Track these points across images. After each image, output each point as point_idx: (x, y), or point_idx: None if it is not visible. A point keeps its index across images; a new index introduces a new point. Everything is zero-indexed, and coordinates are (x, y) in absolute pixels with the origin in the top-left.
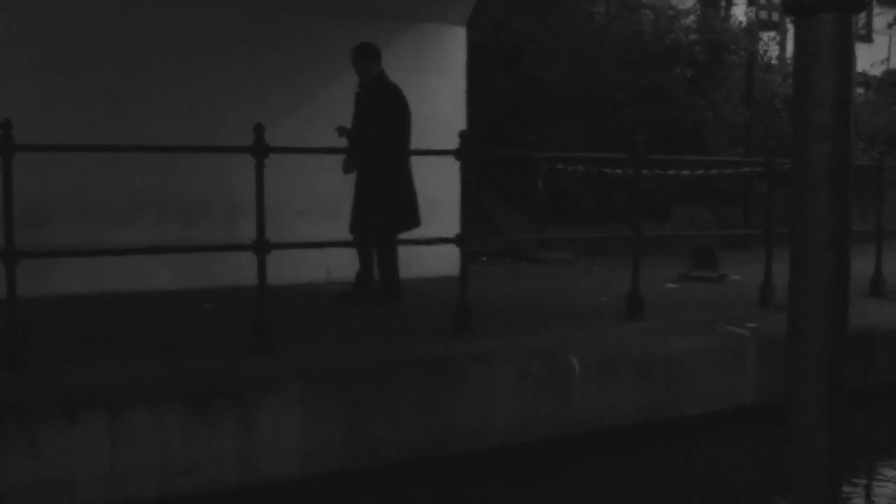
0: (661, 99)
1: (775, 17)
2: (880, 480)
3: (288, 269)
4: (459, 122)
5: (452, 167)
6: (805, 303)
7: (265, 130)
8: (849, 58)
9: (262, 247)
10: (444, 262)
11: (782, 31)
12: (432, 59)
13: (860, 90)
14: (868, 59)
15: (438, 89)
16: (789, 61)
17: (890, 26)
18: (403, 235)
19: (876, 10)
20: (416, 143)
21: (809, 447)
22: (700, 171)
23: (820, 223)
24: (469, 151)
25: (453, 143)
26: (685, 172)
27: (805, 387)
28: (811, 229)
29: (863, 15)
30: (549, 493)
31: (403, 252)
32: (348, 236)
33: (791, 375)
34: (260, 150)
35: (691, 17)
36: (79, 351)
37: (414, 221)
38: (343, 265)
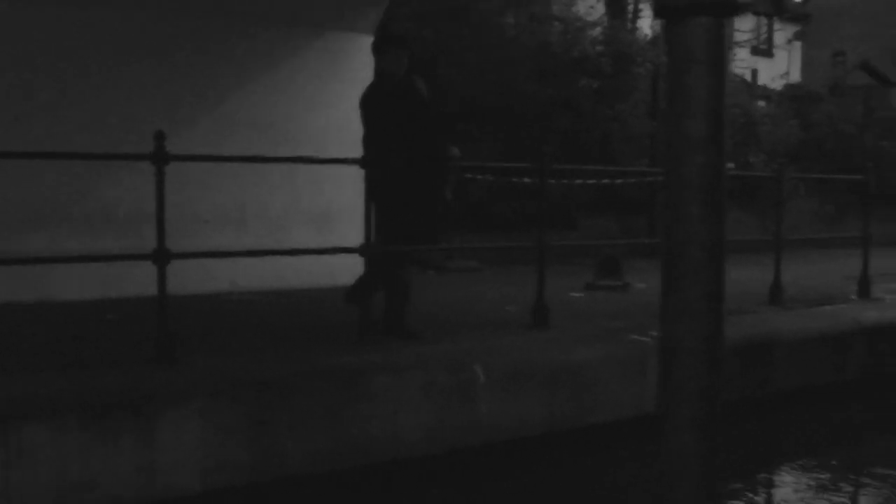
0: (568, 110)
1: None
2: (776, 485)
3: (193, 278)
4: None
5: (358, 176)
6: (679, 322)
7: (166, 138)
8: (722, 64)
9: (161, 256)
10: (350, 271)
11: None
12: (340, 68)
13: (762, 103)
14: (769, 73)
15: (346, 98)
16: None
17: (790, 42)
18: (314, 244)
19: (776, 26)
20: (323, 151)
21: (684, 469)
22: (606, 181)
23: (693, 238)
24: (372, 160)
25: (359, 151)
26: (590, 182)
27: (679, 408)
28: (684, 244)
29: (764, 30)
30: None
31: (308, 261)
32: (255, 245)
33: (665, 396)
34: (160, 158)
35: (598, 29)
36: None
37: None
38: (249, 275)
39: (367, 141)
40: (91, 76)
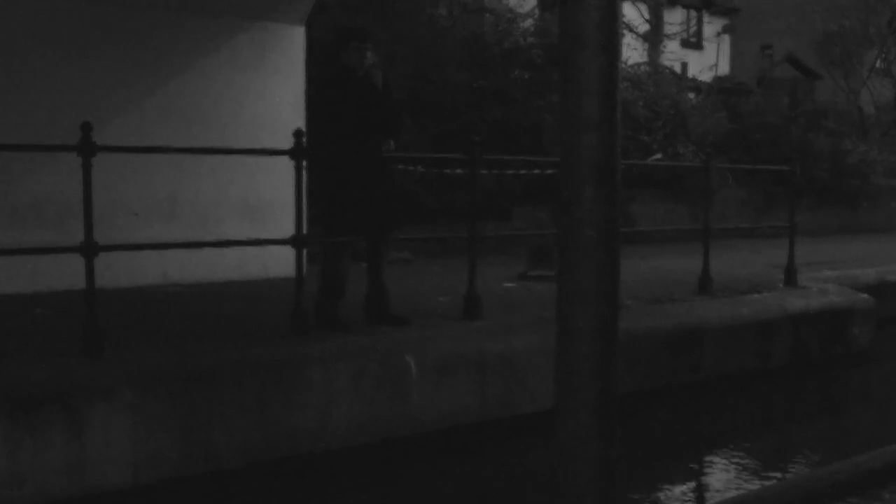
0: (501, 101)
1: None
2: (706, 468)
3: (123, 271)
4: (298, 121)
5: (290, 167)
6: (573, 303)
7: (93, 128)
8: (615, 45)
9: (89, 249)
10: (283, 263)
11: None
12: (270, 59)
13: (691, 95)
14: (699, 65)
15: (276, 89)
16: (624, 65)
17: (719, 35)
18: (246, 236)
19: (706, 19)
20: (253, 142)
21: (580, 456)
22: (537, 171)
23: (586, 218)
24: (303, 151)
25: (291, 142)
26: (522, 172)
27: (574, 392)
28: (577, 225)
29: (694, 23)
30: (387, 494)
31: (239, 253)
32: (185, 237)
33: (560, 380)
34: (87, 148)
35: (529, 21)
36: None
37: None
38: (179, 267)
39: (317, 132)
40: (15, 67)
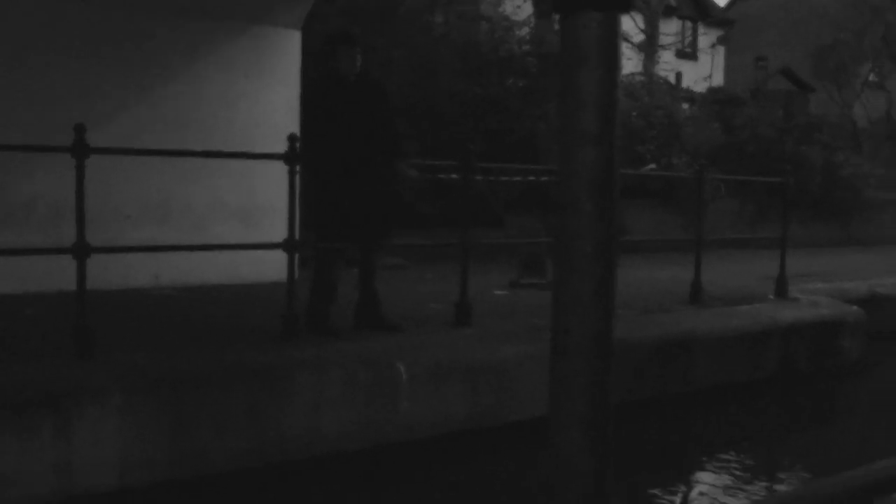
0: (496, 109)
1: None
2: (694, 479)
3: (115, 273)
4: (292, 126)
5: (284, 171)
6: (568, 318)
7: (87, 130)
8: (615, 59)
9: (81, 250)
10: (276, 267)
11: None
12: (266, 63)
13: (685, 105)
14: (693, 76)
15: (272, 93)
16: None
17: (713, 46)
18: (238, 240)
19: (701, 30)
20: (247, 146)
21: (573, 472)
22: (532, 178)
23: (583, 233)
24: (297, 156)
25: (285, 147)
26: (516, 179)
27: (567, 407)
28: (574, 239)
29: (689, 34)
30: (377, 500)
31: (232, 257)
32: (178, 240)
33: (553, 395)
34: (80, 150)
35: (525, 29)
36: None
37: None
38: (171, 270)
39: (310, 137)
40: (9, 68)
